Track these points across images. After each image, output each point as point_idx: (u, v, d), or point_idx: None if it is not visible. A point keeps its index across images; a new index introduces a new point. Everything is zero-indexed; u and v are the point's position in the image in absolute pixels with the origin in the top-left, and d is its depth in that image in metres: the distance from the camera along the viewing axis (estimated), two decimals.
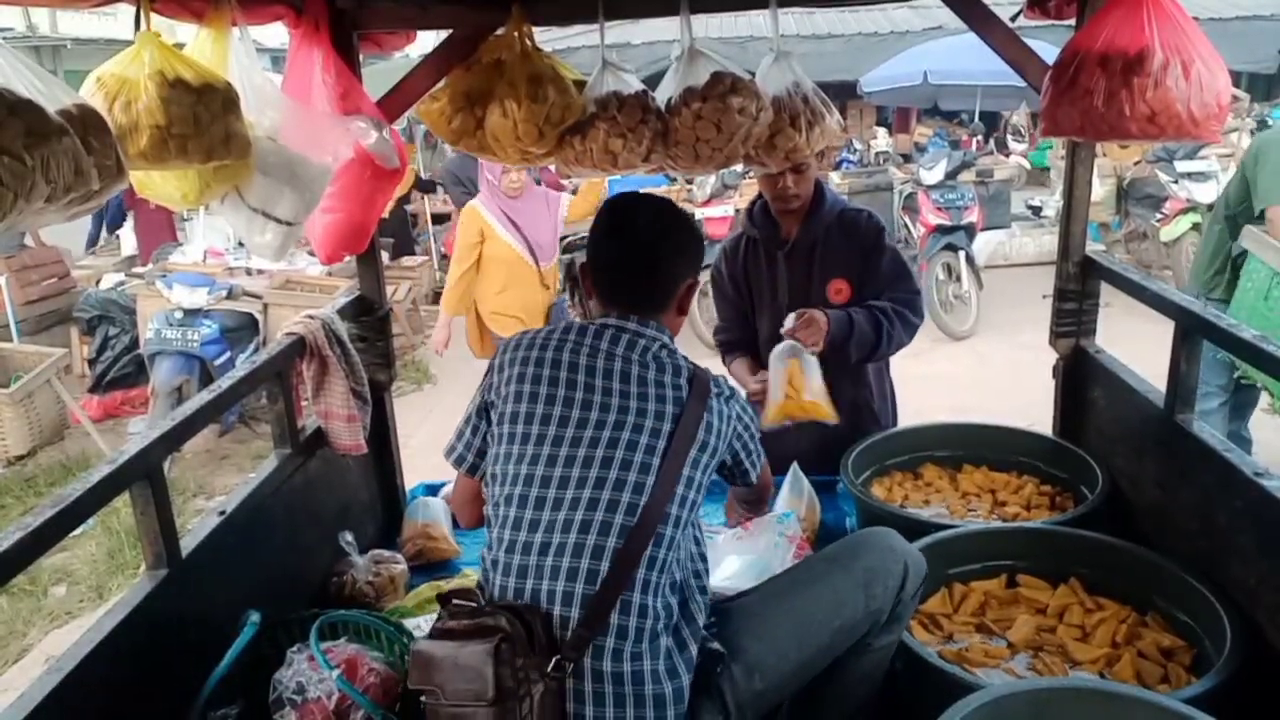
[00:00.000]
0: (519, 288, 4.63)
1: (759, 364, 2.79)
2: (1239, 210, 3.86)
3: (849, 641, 1.66)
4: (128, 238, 9.05)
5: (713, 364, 2.88)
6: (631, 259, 1.73)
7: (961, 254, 7.31)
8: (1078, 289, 2.53)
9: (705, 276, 7.02)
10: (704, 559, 1.68)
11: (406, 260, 8.77)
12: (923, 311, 2.70)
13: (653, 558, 1.51)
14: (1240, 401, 4.04)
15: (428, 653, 1.47)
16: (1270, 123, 9.34)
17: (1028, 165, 10.52)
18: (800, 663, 1.63)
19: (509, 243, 4.54)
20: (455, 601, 1.53)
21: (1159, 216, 7.83)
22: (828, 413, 2.47)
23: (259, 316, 6.06)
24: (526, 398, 1.63)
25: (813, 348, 2.48)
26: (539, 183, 5.18)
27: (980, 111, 10.83)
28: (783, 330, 2.51)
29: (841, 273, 2.64)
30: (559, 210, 4.83)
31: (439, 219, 9.33)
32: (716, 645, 1.58)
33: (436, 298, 8.59)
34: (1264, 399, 4.28)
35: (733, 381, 1.81)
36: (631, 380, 1.62)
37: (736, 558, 2.21)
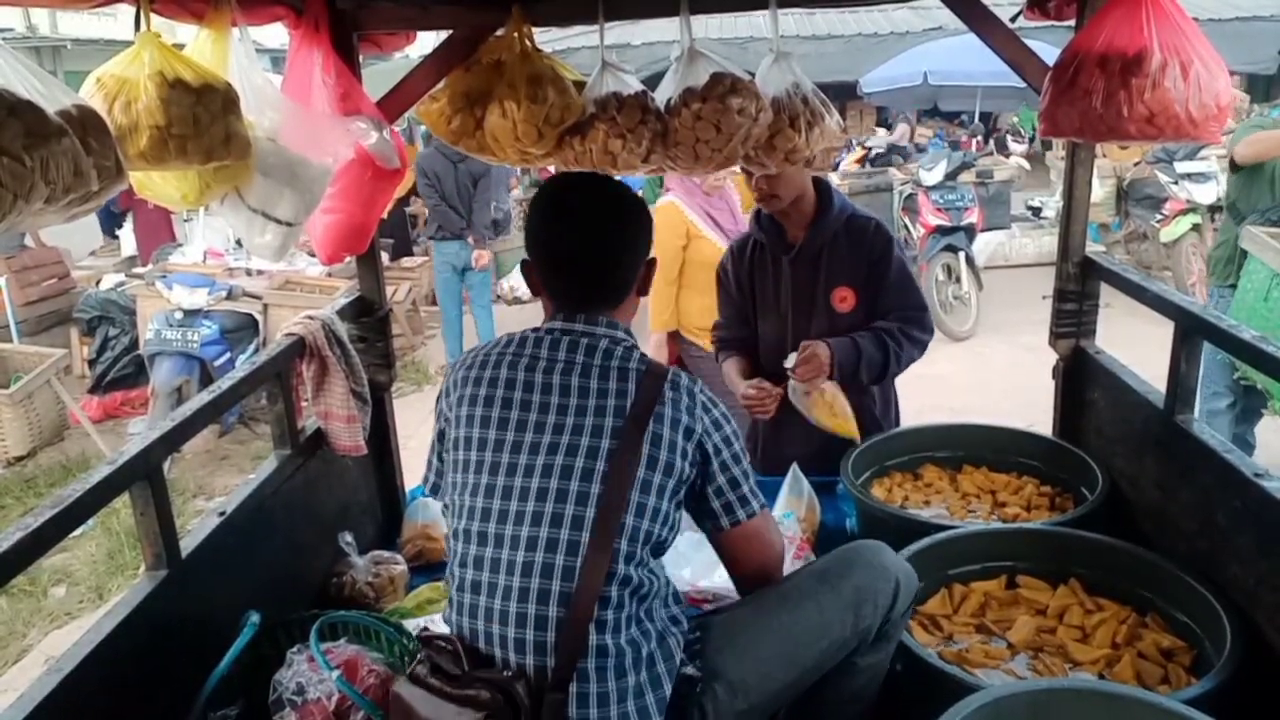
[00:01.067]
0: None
1: (753, 366, 2.79)
2: (1237, 197, 3.93)
3: (835, 660, 1.61)
4: (127, 238, 9.06)
5: None
6: (583, 250, 1.59)
7: (961, 255, 7.32)
8: (1077, 290, 2.53)
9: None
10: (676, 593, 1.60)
11: (406, 261, 8.78)
12: (931, 326, 2.69)
13: (606, 597, 1.42)
14: (1249, 406, 4.05)
15: (408, 703, 1.44)
16: None
17: (1028, 166, 10.54)
18: (786, 683, 1.58)
19: (715, 242, 3.77)
20: (438, 643, 1.50)
21: (1159, 217, 7.83)
22: (853, 430, 2.54)
23: (259, 317, 6.07)
24: (478, 422, 1.54)
25: (811, 384, 2.51)
26: None
27: (980, 112, 10.83)
28: (785, 365, 2.52)
29: (847, 280, 2.63)
30: (736, 200, 4.18)
31: None
32: (692, 670, 1.52)
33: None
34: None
35: (702, 385, 1.61)
36: (571, 393, 1.51)
37: None
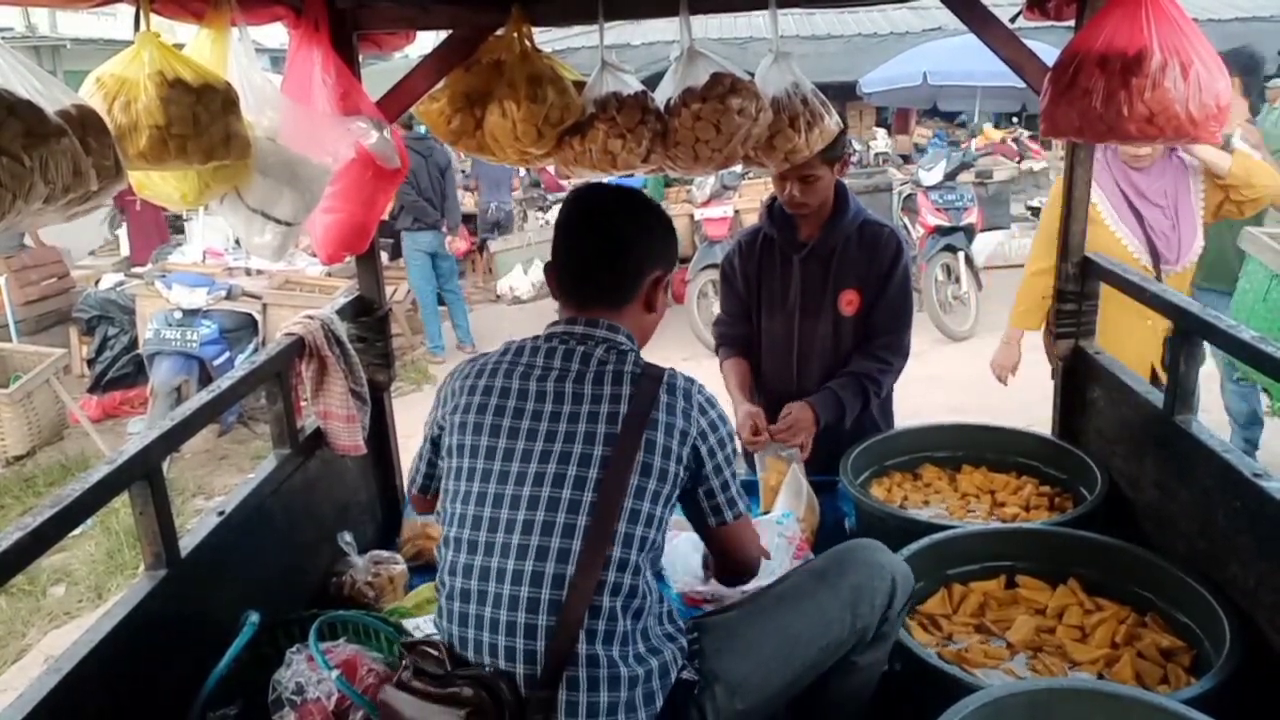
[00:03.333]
0: (1124, 307, 2.60)
1: (753, 368, 2.78)
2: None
3: (834, 658, 1.62)
4: (124, 238, 9.06)
5: (713, 368, 2.89)
6: (593, 250, 1.62)
7: (961, 255, 7.32)
8: (1077, 290, 2.53)
9: (707, 277, 7.05)
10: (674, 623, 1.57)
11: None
12: (907, 346, 2.69)
13: (596, 607, 1.41)
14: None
15: (395, 708, 1.44)
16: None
17: (1035, 167, 10.55)
18: (786, 682, 1.58)
19: (1119, 237, 3.00)
20: (422, 648, 1.50)
21: None
22: (808, 522, 2.40)
23: (258, 317, 6.07)
24: (470, 429, 1.54)
25: (793, 449, 2.51)
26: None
27: (980, 113, 10.85)
28: (770, 429, 2.53)
29: (855, 284, 2.62)
30: (1193, 185, 3.07)
31: None
32: (690, 674, 1.52)
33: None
34: (1264, 400, 4.28)
35: (700, 385, 1.58)
36: (566, 400, 1.50)
37: None
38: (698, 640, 1.58)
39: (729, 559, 1.71)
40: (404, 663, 1.50)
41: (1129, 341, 2.95)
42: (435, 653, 1.47)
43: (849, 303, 2.63)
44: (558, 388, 1.52)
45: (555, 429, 1.48)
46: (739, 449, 2.55)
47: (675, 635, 1.55)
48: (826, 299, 2.64)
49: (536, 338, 1.61)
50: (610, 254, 1.61)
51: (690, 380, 1.55)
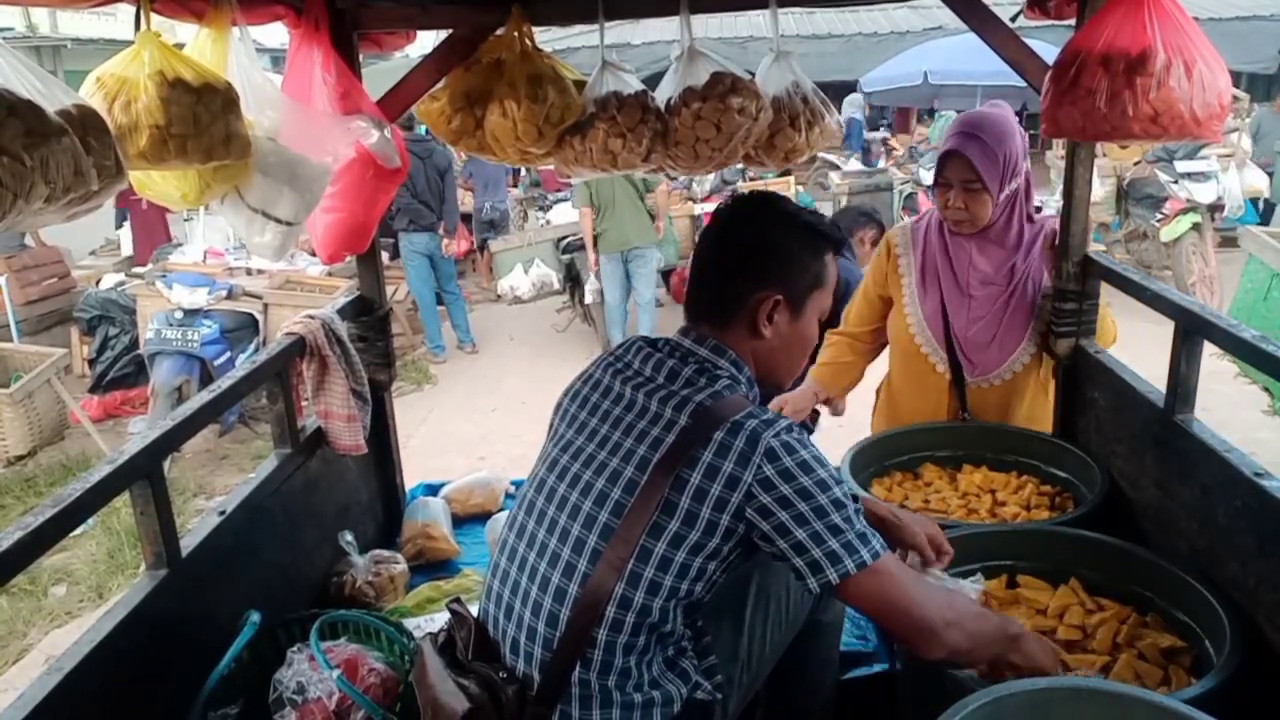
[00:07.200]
0: None
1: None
2: None
3: (807, 607, 1.67)
4: (127, 238, 9.06)
5: None
6: (699, 260, 1.57)
7: None
8: (1078, 289, 2.53)
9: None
10: (693, 639, 1.51)
11: None
12: None
13: (593, 638, 1.36)
14: None
15: (425, 660, 1.48)
16: None
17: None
18: (780, 648, 1.65)
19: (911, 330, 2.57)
20: (462, 615, 1.53)
21: (1159, 216, 7.82)
22: None
23: (259, 316, 6.07)
24: (562, 415, 1.57)
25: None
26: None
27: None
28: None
29: None
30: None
31: None
32: (704, 695, 1.49)
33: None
34: (1264, 400, 4.29)
35: (784, 430, 1.37)
36: (634, 410, 1.45)
37: None
38: (709, 648, 1.54)
39: (884, 622, 1.45)
40: (446, 624, 1.55)
41: None
42: (464, 631, 1.50)
43: None
44: (633, 396, 1.47)
45: (611, 437, 1.45)
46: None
47: (690, 672, 1.48)
48: None
49: (653, 339, 1.57)
50: (713, 267, 1.55)
51: (769, 425, 1.36)
